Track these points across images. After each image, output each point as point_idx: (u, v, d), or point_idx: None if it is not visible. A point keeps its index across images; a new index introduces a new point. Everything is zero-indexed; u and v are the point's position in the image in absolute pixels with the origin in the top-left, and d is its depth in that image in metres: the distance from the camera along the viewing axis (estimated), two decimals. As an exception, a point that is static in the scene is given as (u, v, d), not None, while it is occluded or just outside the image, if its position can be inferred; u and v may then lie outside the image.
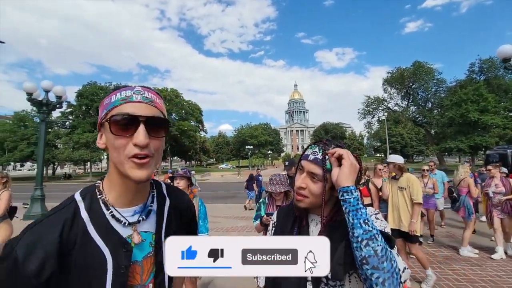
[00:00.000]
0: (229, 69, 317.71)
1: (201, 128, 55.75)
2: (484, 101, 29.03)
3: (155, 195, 0.81)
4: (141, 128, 0.65)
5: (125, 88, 0.71)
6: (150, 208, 0.77)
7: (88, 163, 44.98)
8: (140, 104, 0.68)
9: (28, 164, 59.13)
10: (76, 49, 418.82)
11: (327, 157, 0.89)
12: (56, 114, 43.91)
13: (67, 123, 38.34)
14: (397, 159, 3.86)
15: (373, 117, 43.43)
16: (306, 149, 0.97)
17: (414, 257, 3.77)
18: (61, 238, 0.61)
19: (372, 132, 49.81)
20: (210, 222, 2.96)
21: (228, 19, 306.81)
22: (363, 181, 4.43)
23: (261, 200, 2.74)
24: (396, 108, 42.30)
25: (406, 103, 41.53)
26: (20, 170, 76.04)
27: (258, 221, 2.66)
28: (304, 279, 0.85)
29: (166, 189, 0.88)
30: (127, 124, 0.65)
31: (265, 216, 2.53)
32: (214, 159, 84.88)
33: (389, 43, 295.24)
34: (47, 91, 9.39)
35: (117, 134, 0.65)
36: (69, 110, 40.76)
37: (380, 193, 4.27)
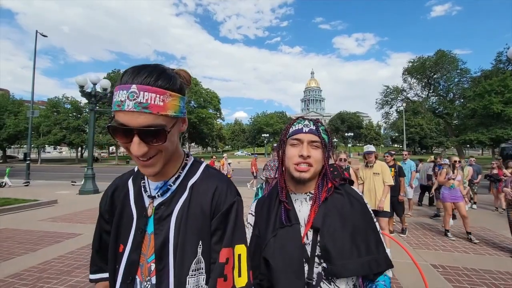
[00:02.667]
0: (245, 56, 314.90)
1: (218, 115, 57.16)
2: (510, 93, 28.17)
3: (181, 176, 0.81)
4: (135, 139, 0.65)
5: (122, 84, 0.66)
6: (168, 187, 0.79)
7: (114, 147, 47.76)
8: (132, 114, 0.64)
9: (57, 148, 63.35)
10: (97, 36, 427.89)
11: (320, 126, 0.96)
12: (84, 101, 46.57)
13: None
14: (374, 148, 4.57)
15: (391, 108, 43.05)
16: (289, 127, 1.00)
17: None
18: (113, 193, 0.87)
19: (390, 122, 49.19)
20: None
21: (244, 4, 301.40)
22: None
23: (258, 186, 2.89)
24: (416, 98, 41.58)
25: (426, 93, 40.70)
26: (49, 152, 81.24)
27: None
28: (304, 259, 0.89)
29: (201, 172, 0.84)
30: (124, 133, 0.66)
31: None
32: (230, 146, 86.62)
33: (413, 28, 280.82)
34: (94, 84, 10.71)
35: (119, 140, 0.68)
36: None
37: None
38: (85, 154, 48.38)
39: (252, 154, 69.75)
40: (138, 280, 0.74)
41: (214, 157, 12.56)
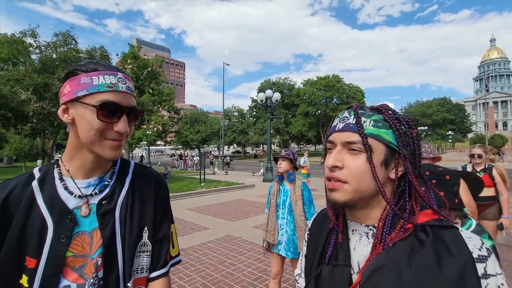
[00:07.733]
0: (387, 39, 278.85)
1: (363, 110, 54.76)
2: None
3: (115, 172, 0.85)
4: (124, 118, 0.74)
5: (106, 71, 0.73)
6: (106, 183, 0.81)
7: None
8: (125, 95, 0.74)
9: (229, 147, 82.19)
10: (246, 52, 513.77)
11: (362, 118, 0.61)
12: (245, 107, 58.02)
13: (282, 118, 49.01)
14: None
15: None
16: (330, 125, 0.69)
17: None
18: (7, 199, 0.72)
19: None
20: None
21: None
22: (483, 167, 3.34)
23: None
24: None
25: None
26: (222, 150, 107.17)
27: None
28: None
29: (134, 168, 0.90)
30: (113, 112, 0.72)
31: None
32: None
33: None
34: (268, 98, 13.98)
35: (103, 120, 0.71)
36: (253, 104, 52.95)
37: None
38: (247, 150, 59.95)
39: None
40: (88, 281, 0.72)
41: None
